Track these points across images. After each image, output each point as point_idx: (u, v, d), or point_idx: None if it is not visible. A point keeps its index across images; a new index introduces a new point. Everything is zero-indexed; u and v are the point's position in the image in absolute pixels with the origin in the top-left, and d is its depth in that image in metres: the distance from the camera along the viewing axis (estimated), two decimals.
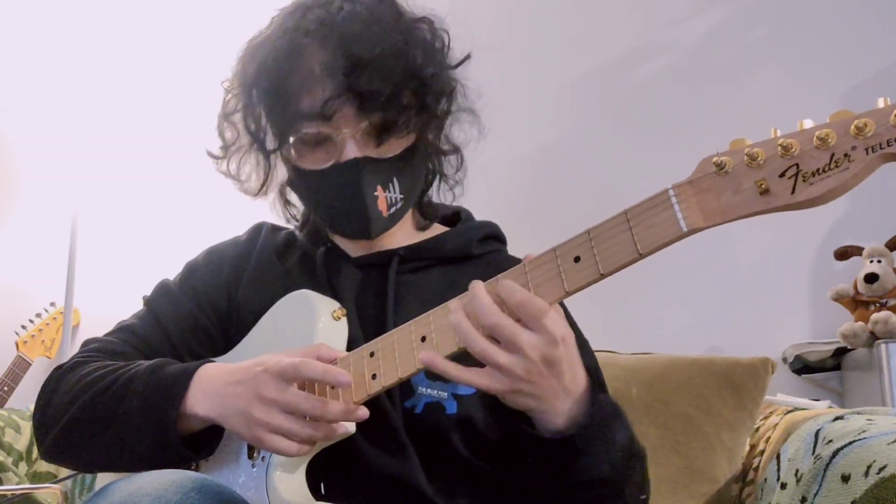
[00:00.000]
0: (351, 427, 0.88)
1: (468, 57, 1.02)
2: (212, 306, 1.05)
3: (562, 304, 1.05)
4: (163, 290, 1.08)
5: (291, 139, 0.96)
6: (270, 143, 1.00)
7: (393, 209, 0.98)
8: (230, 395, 0.83)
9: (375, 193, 0.95)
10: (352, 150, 0.94)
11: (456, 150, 1.07)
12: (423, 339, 0.81)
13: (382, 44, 0.91)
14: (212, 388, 0.85)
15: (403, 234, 1.06)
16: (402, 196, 0.98)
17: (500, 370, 0.74)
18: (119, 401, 0.88)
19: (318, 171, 0.96)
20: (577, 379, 0.78)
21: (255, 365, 0.84)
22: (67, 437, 0.91)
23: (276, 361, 0.82)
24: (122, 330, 1.04)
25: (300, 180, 1.01)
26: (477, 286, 0.76)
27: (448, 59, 1.01)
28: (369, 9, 0.94)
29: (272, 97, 0.96)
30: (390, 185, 0.97)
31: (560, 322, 0.75)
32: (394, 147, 0.96)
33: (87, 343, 1.03)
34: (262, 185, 1.04)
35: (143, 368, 0.90)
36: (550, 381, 0.75)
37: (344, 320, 0.94)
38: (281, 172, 1.06)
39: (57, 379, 0.96)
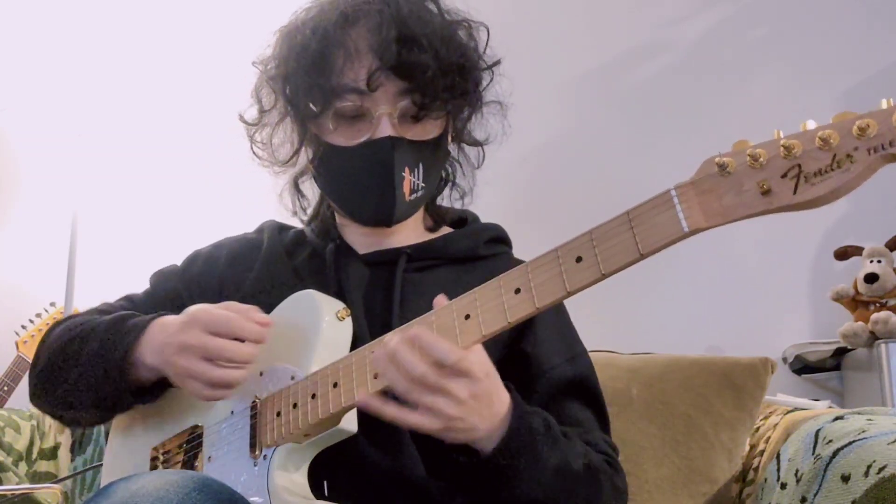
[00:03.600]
0: (353, 426, 0.88)
1: (499, 62, 1.06)
2: (202, 297, 1.07)
3: (562, 308, 1.06)
4: (164, 271, 1.15)
5: (330, 111, 0.98)
6: (309, 112, 1.00)
7: (414, 196, 1.00)
8: (167, 344, 0.90)
9: (403, 174, 0.98)
10: (386, 128, 0.96)
11: (478, 143, 1.09)
12: None
13: (432, 25, 0.96)
14: (158, 338, 0.92)
15: (412, 233, 1.08)
16: (423, 185, 1.00)
17: (432, 412, 0.76)
18: (83, 344, 0.98)
19: (349, 147, 0.98)
20: (501, 401, 0.80)
21: (185, 314, 0.90)
22: (44, 378, 1.02)
23: (204, 311, 0.89)
24: (125, 297, 1.14)
25: (329, 157, 1.01)
26: (394, 339, 0.77)
27: (482, 60, 1.05)
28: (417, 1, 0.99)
29: (318, 66, 0.97)
30: (416, 169, 0.99)
31: (482, 358, 0.78)
32: (425, 131, 0.99)
33: (102, 304, 1.14)
34: (295, 153, 1.05)
35: (109, 318, 0.99)
36: (480, 412, 0.78)
37: (348, 320, 0.95)
38: (298, 162, 1.07)
39: (49, 331, 1.07)
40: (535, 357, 0.97)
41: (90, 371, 0.95)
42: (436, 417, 0.76)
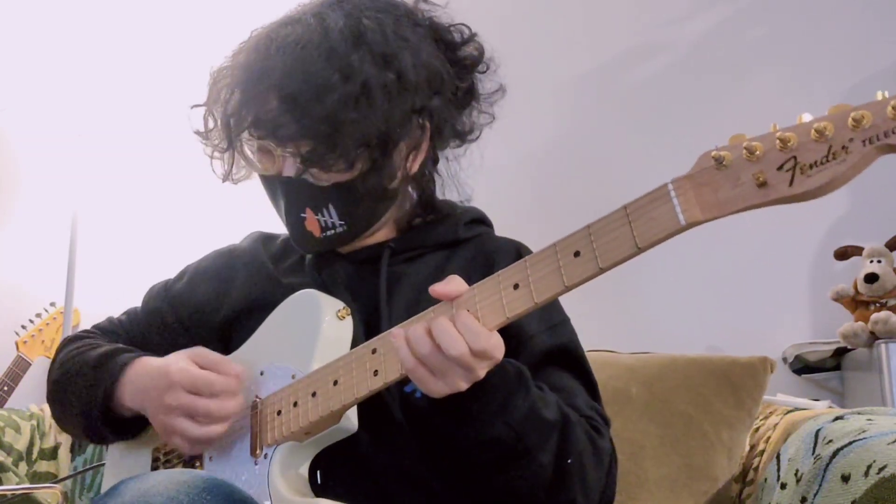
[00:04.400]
0: (354, 424, 0.88)
1: (438, 94, 0.98)
2: (184, 313, 1.13)
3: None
4: (153, 289, 1.19)
5: (242, 142, 1.00)
6: (233, 140, 1.02)
7: (330, 232, 0.99)
8: (148, 397, 0.95)
9: (303, 215, 0.98)
10: (288, 168, 0.97)
11: (419, 181, 1.05)
12: None
13: (316, 79, 0.90)
14: (138, 384, 0.97)
15: (391, 232, 1.08)
16: (342, 222, 0.99)
17: (446, 382, 0.76)
18: (72, 384, 1.05)
19: (266, 176, 1.00)
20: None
21: (164, 374, 0.93)
22: (51, 407, 1.12)
23: (184, 372, 0.92)
24: (126, 312, 1.20)
25: (260, 179, 1.05)
26: (442, 318, 0.76)
27: (424, 94, 0.96)
28: (327, 35, 0.92)
29: (234, 101, 0.99)
30: (324, 210, 0.98)
31: (501, 344, 0.78)
32: (333, 176, 0.96)
33: (106, 321, 1.20)
34: (226, 177, 1.06)
35: (95, 356, 1.04)
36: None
37: (349, 319, 0.95)
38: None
39: (59, 347, 1.15)
40: (515, 328, 0.95)
41: (78, 410, 1.03)
42: (447, 386, 0.76)
